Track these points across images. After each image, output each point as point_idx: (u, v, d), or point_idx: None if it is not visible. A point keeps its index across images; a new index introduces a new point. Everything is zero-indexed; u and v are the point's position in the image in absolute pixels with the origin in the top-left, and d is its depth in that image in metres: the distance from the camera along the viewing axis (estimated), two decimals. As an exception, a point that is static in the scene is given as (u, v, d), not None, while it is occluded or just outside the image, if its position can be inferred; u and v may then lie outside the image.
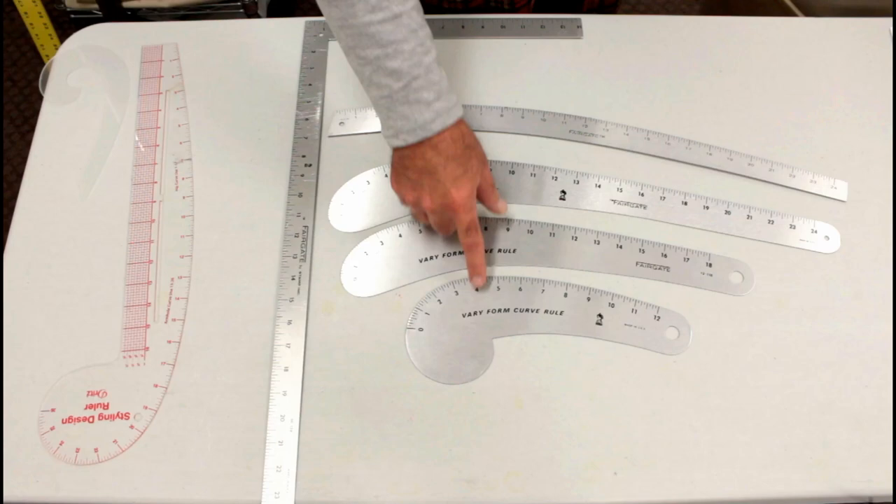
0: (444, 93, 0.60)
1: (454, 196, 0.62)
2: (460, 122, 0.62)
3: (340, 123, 0.76)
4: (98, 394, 0.63)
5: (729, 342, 0.66)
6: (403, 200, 0.67)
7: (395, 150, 0.63)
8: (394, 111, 0.60)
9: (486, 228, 0.70)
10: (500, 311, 0.66)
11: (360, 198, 0.72)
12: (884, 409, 0.63)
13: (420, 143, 0.60)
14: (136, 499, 0.60)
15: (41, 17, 1.51)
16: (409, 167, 0.62)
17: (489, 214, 0.71)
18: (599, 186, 0.72)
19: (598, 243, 0.70)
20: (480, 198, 0.65)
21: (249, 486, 0.60)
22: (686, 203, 0.72)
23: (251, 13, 1.62)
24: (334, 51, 0.81)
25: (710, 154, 0.74)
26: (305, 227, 0.70)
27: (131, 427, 0.62)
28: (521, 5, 0.89)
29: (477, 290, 0.67)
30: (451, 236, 0.68)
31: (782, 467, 0.61)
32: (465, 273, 0.68)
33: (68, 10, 1.64)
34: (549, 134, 0.75)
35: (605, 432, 0.62)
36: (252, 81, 0.79)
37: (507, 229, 0.70)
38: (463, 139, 0.62)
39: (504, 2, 0.89)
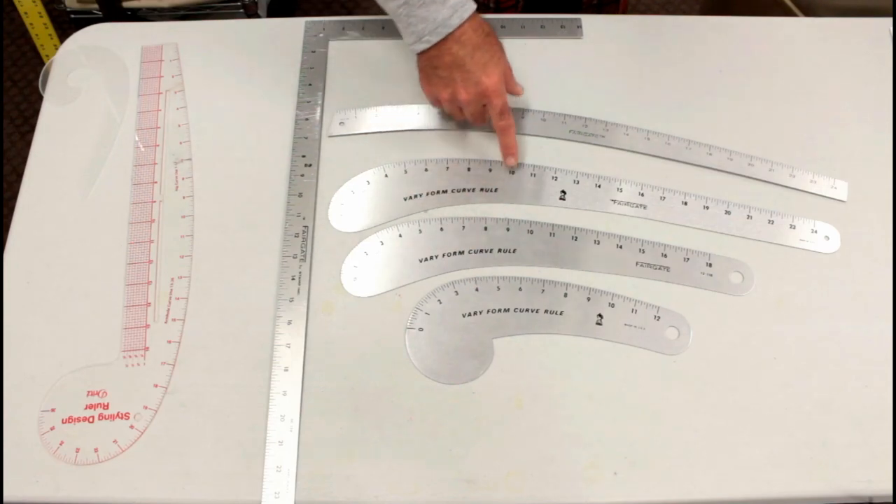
0: None
1: (486, 83, 0.66)
2: (475, 14, 0.65)
3: (340, 123, 0.76)
4: (98, 394, 0.63)
5: (729, 342, 0.66)
6: (438, 100, 0.71)
7: (421, 54, 0.67)
8: (413, 16, 0.64)
9: (485, 228, 0.70)
10: (500, 311, 0.66)
11: (360, 198, 0.72)
12: (884, 409, 0.63)
13: (444, 40, 0.65)
14: (136, 499, 0.60)
15: (41, 17, 1.51)
16: (438, 66, 0.67)
17: (489, 214, 0.71)
18: (599, 186, 0.72)
19: (598, 243, 0.70)
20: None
21: (249, 486, 0.60)
22: (686, 203, 0.72)
23: (251, 13, 1.62)
24: (334, 51, 0.81)
25: (710, 154, 0.74)
26: (305, 227, 0.70)
27: (131, 427, 0.62)
28: (508, 6, 0.89)
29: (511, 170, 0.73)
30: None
31: (782, 467, 0.61)
32: (464, 273, 0.68)
33: (68, 10, 1.64)
34: (549, 134, 0.75)
35: (605, 432, 0.62)
36: (252, 81, 0.79)
37: (507, 229, 0.70)
38: (482, 27, 0.66)
39: (490, 1, 0.89)
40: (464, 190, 0.72)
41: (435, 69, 0.67)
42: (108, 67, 0.80)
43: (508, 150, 0.72)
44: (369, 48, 0.81)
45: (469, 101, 0.68)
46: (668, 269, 0.69)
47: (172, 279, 0.68)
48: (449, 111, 0.72)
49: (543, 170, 0.73)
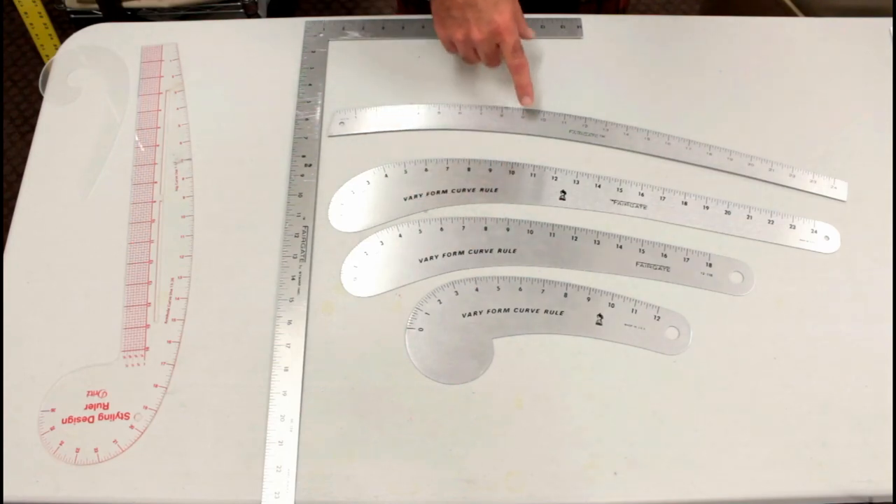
0: None
1: (498, 20, 0.68)
2: None
3: (340, 123, 0.76)
4: (98, 394, 0.63)
5: (729, 342, 0.66)
6: (452, 41, 0.72)
7: None
8: None
9: (485, 228, 0.70)
10: (500, 311, 0.66)
11: (360, 198, 0.72)
12: (884, 409, 0.63)
13: None
14: (136, 499, 0.60)
15: (41, 17, 1.51)
16: (450, 7, 0.69)
17: (489, 214, 0.71)
18: (599, 186, 0.72)
19: (598, 243, 0.70)
20: None
21: (249, 486, 0.60)
22: (686, 203, 0.72)
23: (251, 13, 1.62)
24: (334, 51, 0.81)
25: (710, 154, 0.74)
26: (305, 227, 0.70)
27: (131, 427, 0.62)
28: None
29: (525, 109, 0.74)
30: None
31: (782, 467, 0.61)
32: (464, 273, 0.68)
33: (68, 10, 1.64)
34: (549, 134, 0.75)
35: (605, 432, 0.62)
36: (252, 81, 0.79)
37: (507, 229, 0.70)
38: None
39: None
40: (464, 190, 0.72)
41: (448, 10, 0.69)
42: (108, 67, 0.80)
43: (523, 89, 0.73)
44: (369, 48, 0.81)
45: (483, 40, 0.69)
46: (668, 269, 0.69)
47: (172, 279, 0.68)
48: (464, 55, 0.74)
49: (543, 170, 0.73)
